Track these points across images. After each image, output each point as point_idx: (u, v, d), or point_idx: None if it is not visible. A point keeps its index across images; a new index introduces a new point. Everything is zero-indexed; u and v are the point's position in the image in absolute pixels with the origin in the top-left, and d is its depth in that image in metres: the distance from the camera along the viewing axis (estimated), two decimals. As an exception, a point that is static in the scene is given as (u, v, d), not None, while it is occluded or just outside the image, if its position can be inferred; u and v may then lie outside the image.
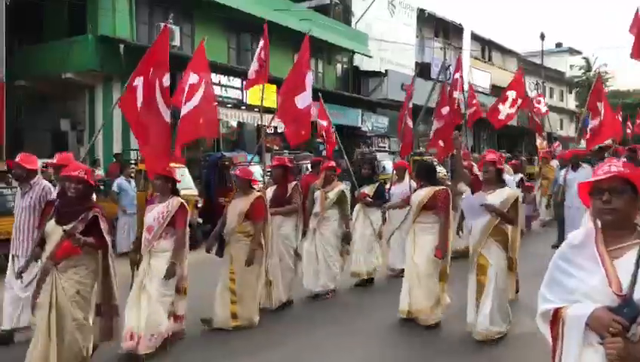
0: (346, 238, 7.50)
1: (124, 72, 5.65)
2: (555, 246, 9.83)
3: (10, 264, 5.53)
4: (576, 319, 2.11)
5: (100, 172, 14.39)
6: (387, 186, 8.82)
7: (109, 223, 5.17)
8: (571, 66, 52.15)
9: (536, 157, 26.76)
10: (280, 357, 5.26)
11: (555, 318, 2.22)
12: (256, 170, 12.20)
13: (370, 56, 24.40)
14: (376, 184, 8.22)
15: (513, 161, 13.22)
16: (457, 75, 12.43)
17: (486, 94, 31.22)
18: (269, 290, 6.56)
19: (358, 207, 8.16)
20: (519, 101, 13.33)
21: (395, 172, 9.14)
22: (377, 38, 24.99)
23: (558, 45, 53.63)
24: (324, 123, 10.22)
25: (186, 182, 12.31)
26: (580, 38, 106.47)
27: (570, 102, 50.38)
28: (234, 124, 19.44)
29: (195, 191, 12.26)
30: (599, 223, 2.22)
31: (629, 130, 21.93)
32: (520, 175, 11.41)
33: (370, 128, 23.67)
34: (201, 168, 13.53)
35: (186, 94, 6.00)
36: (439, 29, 31.37)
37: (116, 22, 16.03)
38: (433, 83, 18.88)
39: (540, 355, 4.50)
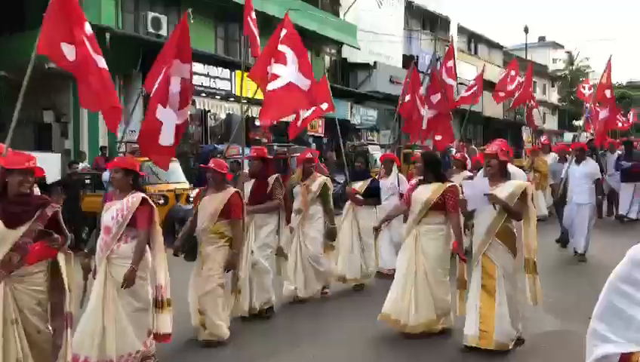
0: (330, 235, 6.84)
1: (109, 61, 5.26)
2: (559, 241, 9.78)
3: None
4: None
5: (85, 165, 13.97)
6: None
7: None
8: (554, 60, 52.55)
9: (522, 150, 26.87)
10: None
11: None
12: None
13: (358, 48, 24.13)
14: (369, 180, 7.53)
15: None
16: (450, 63, 12.29)
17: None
18: (238, 298, 5.79)
19: (347, 205, 7.49)
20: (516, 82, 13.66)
21: (382, 165, 8.60)
22: (365, 30, 24.72)
23: (542, 39, 53.96)
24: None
25: (177, 175, 12.04)
26: (562, 32, 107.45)
27: (553, 96, 50.74)
28: (222, 116, 19.06)
29: (186, 185, 11.98)
30: None
31: (619, 124, 21.97)
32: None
33: (360, 121, 23.43)
34: (194, 160, 13.21)
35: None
36: (426, 21, 31.22)
37: (101, 10, 15.52)
38: (422, 75, 18.68)
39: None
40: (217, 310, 5.28)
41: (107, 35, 14.55)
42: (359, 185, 7.41)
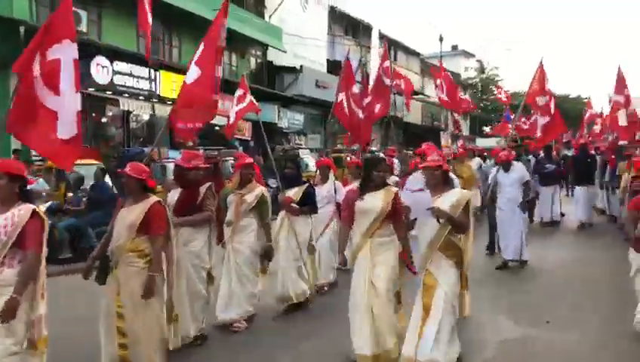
0: (267, 254, 6.12)
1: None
2: (488, 250, 9.86)
3: None
4: None
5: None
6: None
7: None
8: (466, 68, 54.75)
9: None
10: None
11: None
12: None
13: (284, 51, 23.94)
14: (304, 186, 6.83)
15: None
16: (387, 63, 12.20)
17: (392, 93, 31.82)
18: (175, 327, 5.15)
19: (281, 215, 6.79)
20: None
21: (318, 171, 8.05)
22: (290, 33, 24.59)
23: (454, 48, 56.03)
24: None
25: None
26: (471, 41, 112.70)
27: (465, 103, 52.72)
28: (145, 117, 18.23)
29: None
30: None
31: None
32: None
33: (287, 125, 23.22)
34: (117, 165, 12.43)
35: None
36: (349, 27, 31.55)
37: (13, 2, 14.39)
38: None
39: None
40: (151, 343, 4.49)
41: (21, 29, 13.55)
42: (294, 192, 6.73)
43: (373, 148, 19.30)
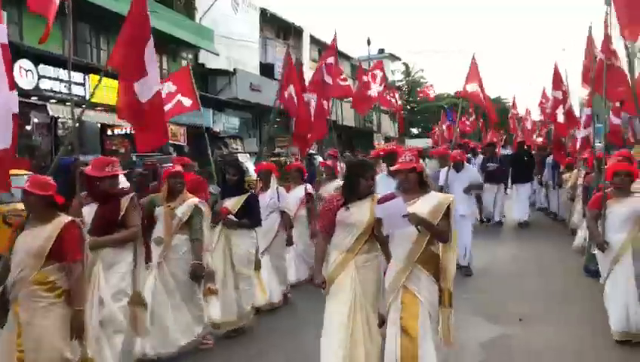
0: (194, 274, 5.30)
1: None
2: None
3: None
4: None
5: None
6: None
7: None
8: (392, 71, 55.90)
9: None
10: None
11: None
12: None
13: (217, 54, 23.44)
14: (245, 195, 6.09)
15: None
16: (331, 60, 11.66)
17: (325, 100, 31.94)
18: None
19: (219, 229, 6.03)
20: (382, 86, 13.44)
21: (257, 177, 7.35)
22: (223, 35, 24.12)
23: (381, 51, 57.06)
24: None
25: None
26: (398, 44, 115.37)
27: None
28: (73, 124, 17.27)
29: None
30: None
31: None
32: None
33: (222, 129, 22.73)
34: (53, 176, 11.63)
35: None
36: (280, 30, 31.39)
37: None
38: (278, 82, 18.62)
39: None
40: None
41: None
42: (232, 203, 6.00)
43: (313, 151, 19.17)
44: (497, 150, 14.60)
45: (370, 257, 4.23)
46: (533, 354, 5.16)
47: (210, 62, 24.06)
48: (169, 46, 21.65)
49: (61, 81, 15.65)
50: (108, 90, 14.25)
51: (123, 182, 5.96)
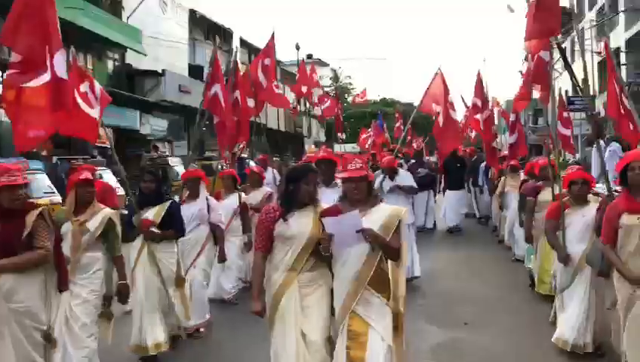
0: (121, 295, 4.84)
1: None
2: None
3: None
4: None
5: None
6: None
7: None
8: (320, 77, 56.44)
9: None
10: None
11: None
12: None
13: (144, 54, 22.77)
14: (167, 204, 5.51)
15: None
16: (267, 61, 11.07)
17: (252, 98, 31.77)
18: None
19: (138, 243, 5.41)
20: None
21: (184, 185, 6.67)
22: (151, 36, 23.48)
23: (309, 57, 57.41)
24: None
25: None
26: (326, 50, 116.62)
27: (319, 110, 54.28)
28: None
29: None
30: None
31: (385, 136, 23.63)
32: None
33: (150, 131, 22.07)
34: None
35: None
36: (210, 31, 30.94)
37: None
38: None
39: None
40: None
41: None
42: (153, 213, 5.39)
43: (244, 155, 18.97)
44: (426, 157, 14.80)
45: (317, 275, 3.68)
46: (480, 356, 5.35)
47: (137, 62, 23.36)
48: (94, 45, 20.83)
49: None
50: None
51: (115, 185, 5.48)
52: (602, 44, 6.76)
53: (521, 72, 40.33)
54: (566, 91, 24.44)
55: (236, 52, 10.94)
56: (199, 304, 6.09)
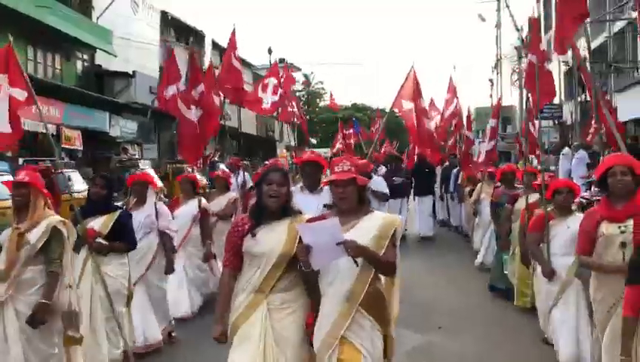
0: (69, 319, 4.15)
1: None
2: None
3: None
4: None
5: None
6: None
7: None
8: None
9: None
10: None
11: None
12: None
13: (115, 55, 22.43)
14: (117, 213, 5.04)
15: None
16: (236, 64, 10.72)
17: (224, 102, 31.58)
18: None
19: (83, 256, 4.86)
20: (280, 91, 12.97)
21: (130, 191, 6.15)
22: (121, 37, 23.14)
23: (282, 61, 57.46)
24: None
25: None
26: (298, 55, 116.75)
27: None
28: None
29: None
30: None
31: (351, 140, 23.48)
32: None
33: (119, 133, 21.73)
34: None
35: None
36: (181, 33, 30.67)
37: None
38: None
39: None
40: None
41: None
42: (100, 223, 4.91)
43: (216, 159, 18.83)
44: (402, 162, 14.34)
45: (290, 297, 3.24)
46: (454, 360, 5.44)
47: (107, 63, 23.01)
48: (63, 44, 20.46)
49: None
50: None
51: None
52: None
53: (491, 80, 41.12)
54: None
55: (197, 50, 10.80)
56: (151, 321, 5.65)
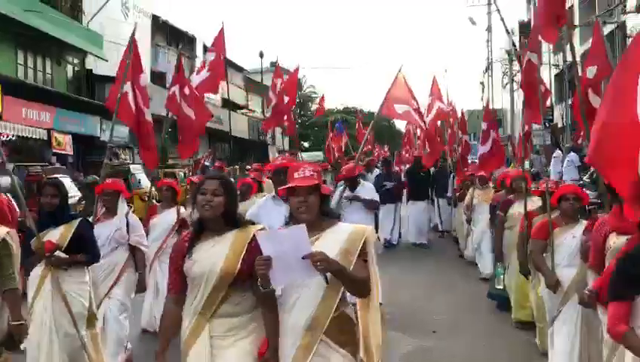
0: (9, 342, 3.59)
1: None
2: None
3: None
4: None
5: None
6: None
7: None
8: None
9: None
10: None
11: None
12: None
13: (105, 60, 22.34)
14: (76, 223, 4.44)
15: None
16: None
17: (216, 106, 31.51)
18: None
19: (38, 272, 4.33)
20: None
21: (97, 200, 5.50)
22: (112, 41, 23.05)
23: (273, 64, 57.44)
24: None
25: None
26: (290, 59, 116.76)
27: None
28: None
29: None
30: None
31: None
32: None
33: (110, 138, 21.58)
34: None
35: None
36: (172, 37, 30.61)
37: None
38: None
39: None
40: None
41: None
42: (58, 234, 4.33)
43: (207, 163, 18.79)
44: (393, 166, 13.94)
45: (240, 323, 2.83)
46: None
47: (97, 67, 22.93)
48: (53, 49, 20.35)
49: None
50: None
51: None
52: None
53: (482, 83, 41.30)
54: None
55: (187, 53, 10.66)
56: (113, 342, 5.11)
